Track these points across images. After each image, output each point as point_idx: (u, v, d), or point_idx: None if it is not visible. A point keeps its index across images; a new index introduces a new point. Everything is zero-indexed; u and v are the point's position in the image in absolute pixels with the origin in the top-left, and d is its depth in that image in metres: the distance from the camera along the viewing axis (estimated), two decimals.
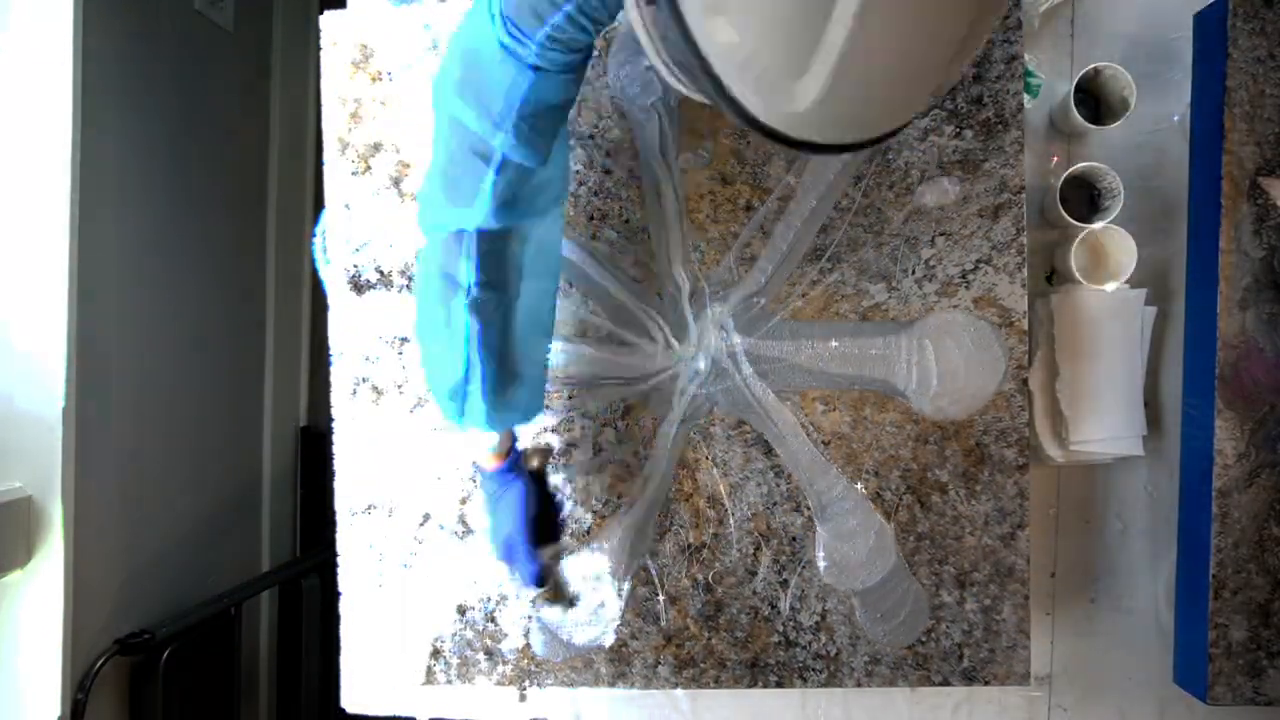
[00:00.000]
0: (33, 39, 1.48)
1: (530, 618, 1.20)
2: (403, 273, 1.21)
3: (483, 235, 0.87)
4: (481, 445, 1.02)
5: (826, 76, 0.52)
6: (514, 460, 1.04)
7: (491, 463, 1.03)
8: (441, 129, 0.86)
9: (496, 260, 0.89)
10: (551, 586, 1.15)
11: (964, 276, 1.15)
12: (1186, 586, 1.23)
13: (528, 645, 1.20)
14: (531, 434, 1.20)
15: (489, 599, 1.21)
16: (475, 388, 0.92)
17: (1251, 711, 1.19)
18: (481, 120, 0.81)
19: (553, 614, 1.19)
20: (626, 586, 1.19)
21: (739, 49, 0.55)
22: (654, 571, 1.19)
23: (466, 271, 0.88)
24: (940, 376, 1.15)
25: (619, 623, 1.19)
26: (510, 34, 0.77)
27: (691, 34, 0.56)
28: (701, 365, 1.18)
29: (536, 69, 0.78)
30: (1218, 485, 1.16)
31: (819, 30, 0.50)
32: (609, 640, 1.19)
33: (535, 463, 1.09)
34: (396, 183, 1.20)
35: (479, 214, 0.85)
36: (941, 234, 1.15)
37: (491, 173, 0.83)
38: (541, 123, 0.83)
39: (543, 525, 1.06)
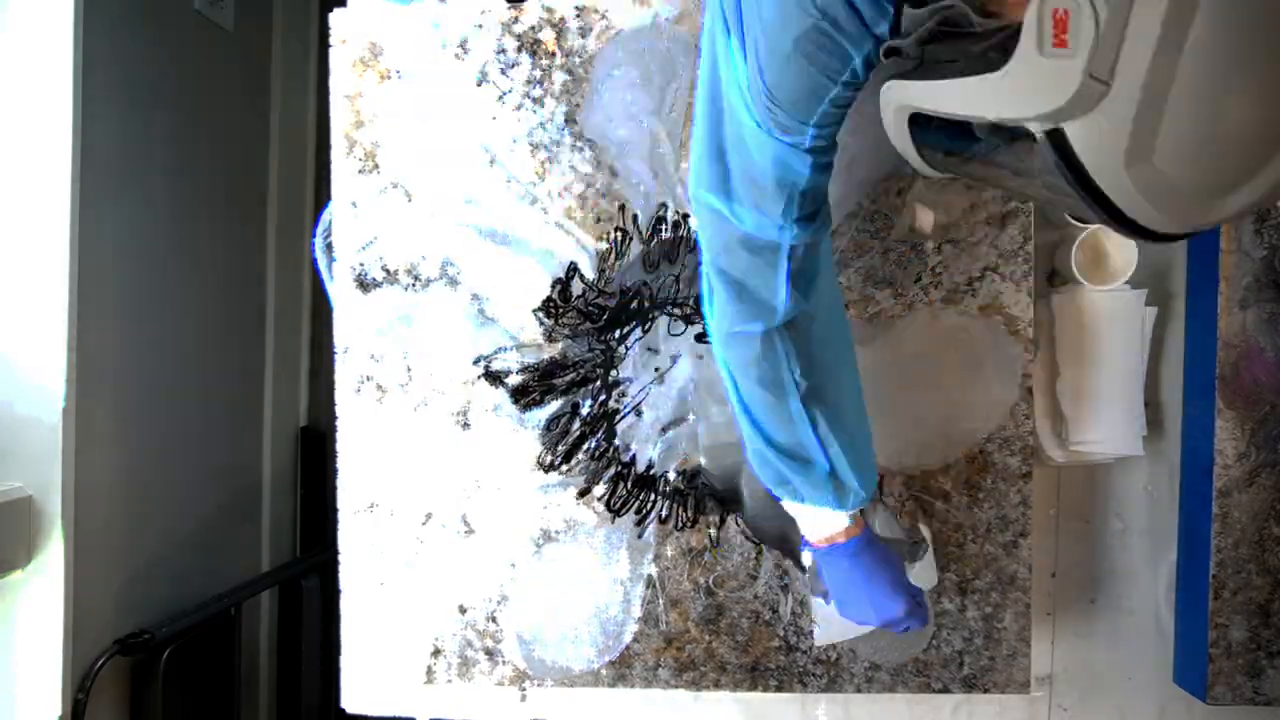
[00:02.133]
0: (33, 39, 1.48)
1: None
2: (409, 271, 1.21)
3: (789, 323, 0.86)
4: (825, 522, 0.95)
5: (1266, 188, 0.51)
6: (869, 533, 0.97)
7: (844, 533, 0.95)
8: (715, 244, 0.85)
9: (800, 342, 0.87)
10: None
11: (970, 284, 1.15)
12: (1186, 586, 1.23)
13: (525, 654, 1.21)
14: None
15: (490, 599, 1.21)
16: (843, 468, 0.90)
17: (1251, 711, 1.19)
18: (761, 216, 0.80)
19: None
20: (638, 605, 1.19)
21: (1161, 181, 0.53)
22: (655, 574, 1.19)
23: (790, 368, 0.87)
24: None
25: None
26: (780, 123, 0.75)
27: (1090, 176, 0.54)
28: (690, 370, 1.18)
29: (811, 151, 0.76)
30: (1218, 485, 1.16)
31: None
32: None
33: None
34: (402, 181, 1.20)
35: (781, 305, 0.84)
36: (949, 241, 1.15)
37: (783, 262, 0.82)
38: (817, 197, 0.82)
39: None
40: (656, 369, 1.19)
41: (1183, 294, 1.26)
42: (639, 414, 1.19)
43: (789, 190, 0.78)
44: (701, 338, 1.18)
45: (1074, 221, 1.14)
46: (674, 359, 1.19)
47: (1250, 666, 1.16)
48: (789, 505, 0.96)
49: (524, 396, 1.19)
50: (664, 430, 1.19)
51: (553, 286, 1.18)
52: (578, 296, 1.19)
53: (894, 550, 0.98)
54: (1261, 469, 1.16)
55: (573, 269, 1.18)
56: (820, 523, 0.95)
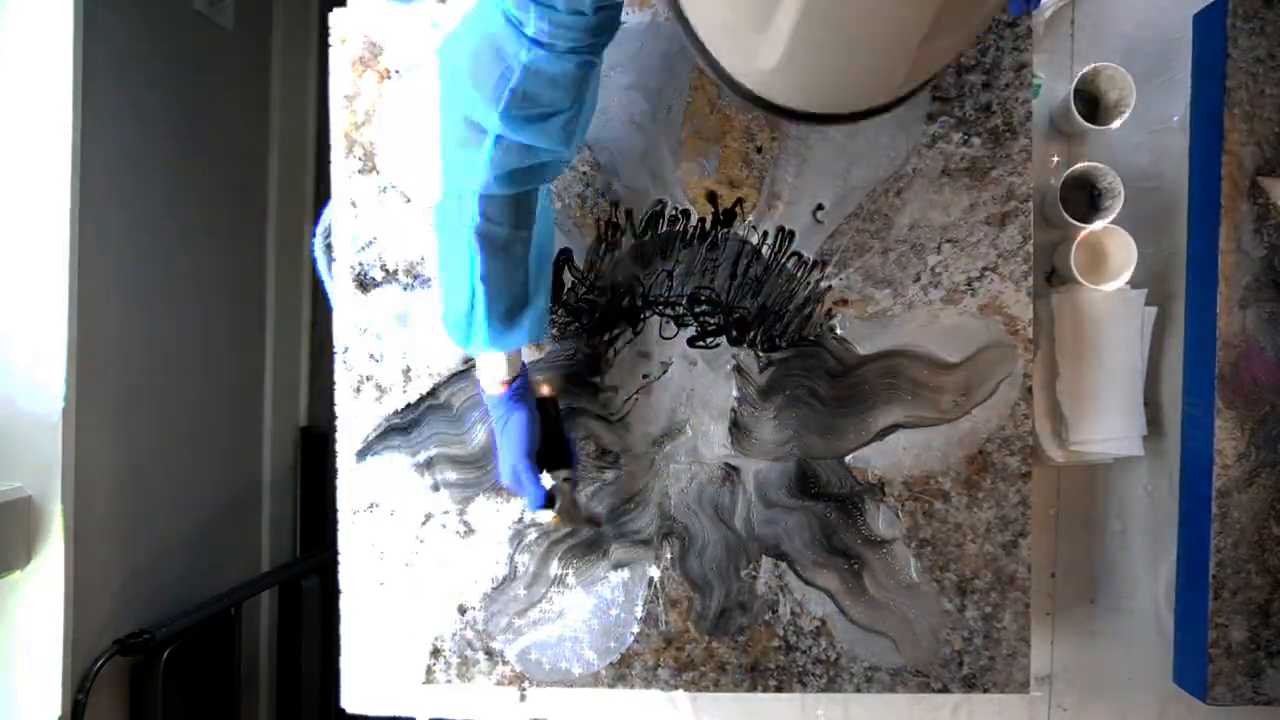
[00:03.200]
0: (33, 39, 1.48)
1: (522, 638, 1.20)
2: (408, 271, 1.21)
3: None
4: (488, 372, 1.06)
5: (788, 34, 0.52)
6: (520, 387, 1.07)
7: (497, 388, 1.06)
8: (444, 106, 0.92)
9: (501, 206, 0.94)
10: (565, 510, 1.13)
11: (970, 284, 1.15)
12: (1186, 586, 1.23)
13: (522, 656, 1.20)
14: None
15: (490, 599, 1.21)
16: (479, 314, 0.97)
17: (1251, 711, 1.19)
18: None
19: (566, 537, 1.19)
20: (640, 607, 1.19)
21: (714, 8, 0.56)
22: (655, 575, 1.19)
23: (472, 208, 0.92)
24: None
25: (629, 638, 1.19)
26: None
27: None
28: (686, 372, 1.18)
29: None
30: (1218, 485, 1.16)
31: None
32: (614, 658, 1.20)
33: (544, 390, 1.13)
34: (401, 181, 1.20)
35: (479, 180, 0.90)
36: (948, 241, 1.14)
37: (486, 150, 0.88)
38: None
39: (550, 451, 1.10)
40: (645, 376, 1.19)
41: (1182, 294, 1.26)
42: (626, 427, 1.19)
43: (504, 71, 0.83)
44: (694, 342, 1.18)
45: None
46: (664, 365, 1.19)
47: (1250, 666, 1.16)
48: (480, 360, 1.06)
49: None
50: (657, 443, 1.19)
51: None
52: (568, 290, 1.18)
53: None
54: (1261, 469, 1.16)
55: (564, 255, 1.18)
56: (487, 372, 1.06)
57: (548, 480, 1.10)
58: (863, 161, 1.15)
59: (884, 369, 1.16)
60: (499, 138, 0.87)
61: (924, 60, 0.55)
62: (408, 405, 1.21)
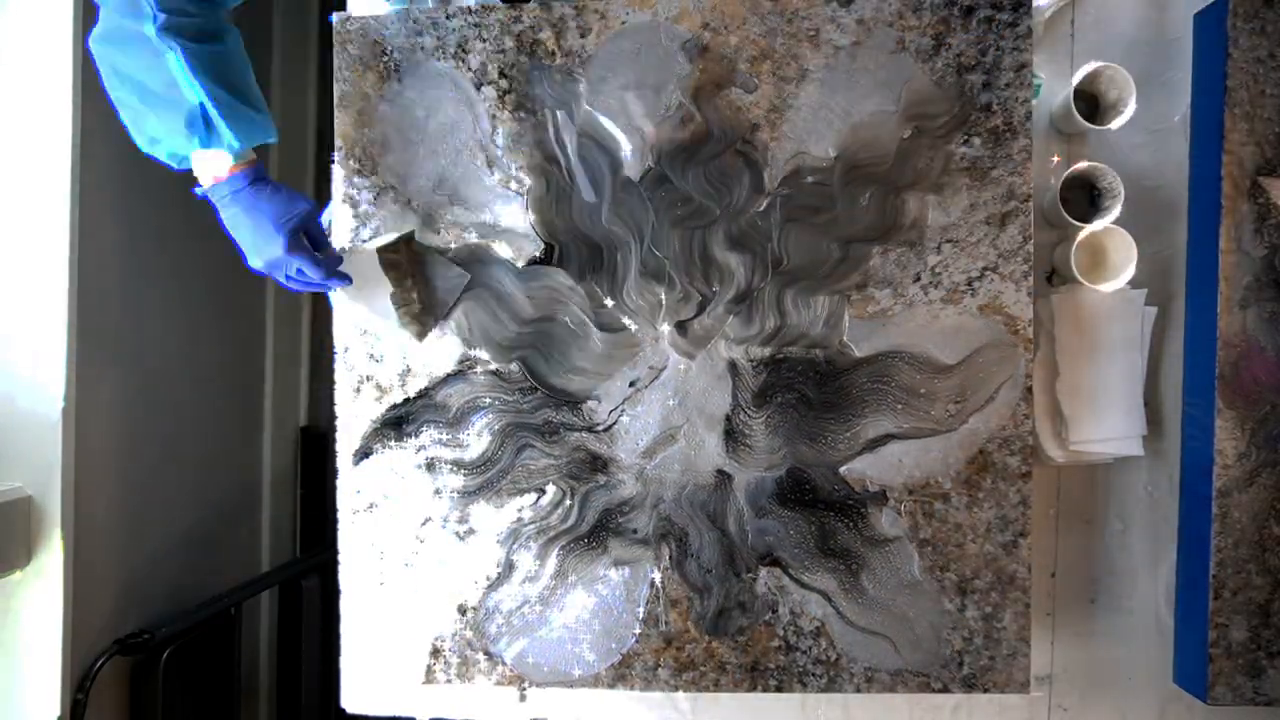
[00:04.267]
0: (33, 39, 1.48)
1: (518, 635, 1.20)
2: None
3: None
4: (208, 164, 1.00)
5: None
6: (256, 171, 1.02)
7: (225, 171, 1.00)
8: None
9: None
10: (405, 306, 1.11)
11: (970, 284, 1.15)
12: (1186, 586, 1.23)
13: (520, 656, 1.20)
14: None
15: (491, 599, 1.21)
16: (213, 111, 0.94)
17: (1251, 711, 1.19)
18: None
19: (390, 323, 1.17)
20: (641, 608, 1.19)
21: None
22: (655, 575, 1.19)
23: (147, 4, 0.89)
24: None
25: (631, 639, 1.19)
26: None
27: None
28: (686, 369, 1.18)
29: None
30: (1218, 485, 1.16)
31: None
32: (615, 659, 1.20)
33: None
34: (401, 181, 1.20)
35: None
36: (948, 241, 1.15)
37: None
38: None
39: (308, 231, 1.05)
40: (632, 384, 1.19)
41: (1182, 294, 1.26)
42: (614, 437, 1.19)
43: None
44: (681, 326, 1.17)
45: None
46: (657, 370, 1.19)
47: (1250, 666, 1.16)
48: (204, 165, 1.00)
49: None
50: (648, 454, 1.19)
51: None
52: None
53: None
54: (1261, 469, 1.16)
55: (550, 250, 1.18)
56: (206, 166, 1.00)
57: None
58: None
59: (875, 373, 1.15)
60: None
61: None
62: (394, 405, 1.21)
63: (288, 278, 1.05)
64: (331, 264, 1.06)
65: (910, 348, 1.15)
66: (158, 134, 0.99)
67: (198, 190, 1.04)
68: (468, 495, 1.20)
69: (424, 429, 1.21)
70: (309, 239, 1.06)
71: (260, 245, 1.02)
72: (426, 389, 1.21)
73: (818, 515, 1.16)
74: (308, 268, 1.03)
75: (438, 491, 1.21)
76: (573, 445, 1.19)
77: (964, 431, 1.15)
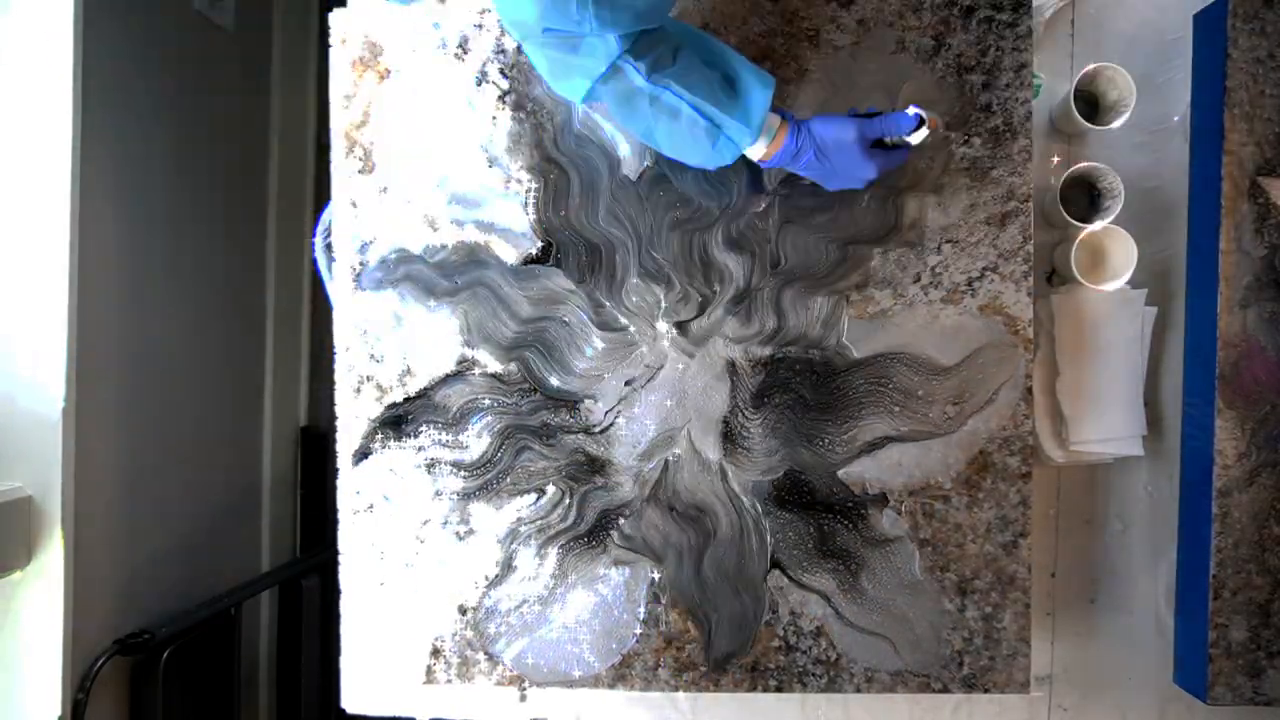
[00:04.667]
0: (33, 39, 1.48)
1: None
2: (410, 277, 1.21)
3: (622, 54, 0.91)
4: (758, 148, 1.02)
5: None
6: (792, 133, 1.02)
7: (769, 150, 1.02)
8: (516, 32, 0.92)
9: (638, 47, 0.93)
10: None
11: (970, 284, 1.15)
12: (1186, 586, 1.23)
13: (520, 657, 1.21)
14: None
15: (490, 599, 1.21)
16: (718, 118, 0.96)
17: (1251, 711, 1.19)
18: None
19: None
20: (642, 609, 1.19)
21: None
22: (655, 575, 1.19)
23: (634, 75, 0.93)
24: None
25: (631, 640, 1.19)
26: None
27: None
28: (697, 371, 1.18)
29: None
30: (1218, 485, 1.16)
31: None
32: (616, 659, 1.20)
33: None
34: (401, 181, 1.20)
35: (609, 47, 0.90)
36: (948, 241, 1.15)
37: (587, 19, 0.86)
38: None
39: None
40: (628, 383, 1.19)
41: (1182, 294, 1.26)
42: (610, 440, 1.19)
43: None
44: (681, 326, 1.18)
45: None
46: (654, 369, 1.19)
47: (1250, 666, 1.16)
48: (750, 152, 1.02)
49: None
50: (645, 456, 1.19)
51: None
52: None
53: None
54: (1262, 469, 1.16)
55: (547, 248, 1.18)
56: (759, 146, 1.02)
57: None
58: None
59: (872, 374, 1.15)
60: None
61: None
62: (392, 404, 1.21)
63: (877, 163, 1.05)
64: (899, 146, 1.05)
65: (908, 349, 1.15)
66: (707, 162, 1.02)
67: (763, 164, 1.07)
68: (467, 496, 1.20)
69: (423, 429, 1.21)
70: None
71: (855, 177, 1.05)
72: (425, 389, 1.21)
73: (816, 517, 1.16)
74: (894, 166, 1.06)
75: (438, 492, 1.21)
76: (570, 448, 1.19)
77: (964, 432, 1.15)
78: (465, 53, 1.19)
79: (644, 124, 0.98)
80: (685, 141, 0.99)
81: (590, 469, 1.19)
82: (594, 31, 0.87)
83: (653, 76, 0.93)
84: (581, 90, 0.94)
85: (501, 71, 1.18)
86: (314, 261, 1.29)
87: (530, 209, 1.19)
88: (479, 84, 1.18)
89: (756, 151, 1.02)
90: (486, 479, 1.20)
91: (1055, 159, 1.29)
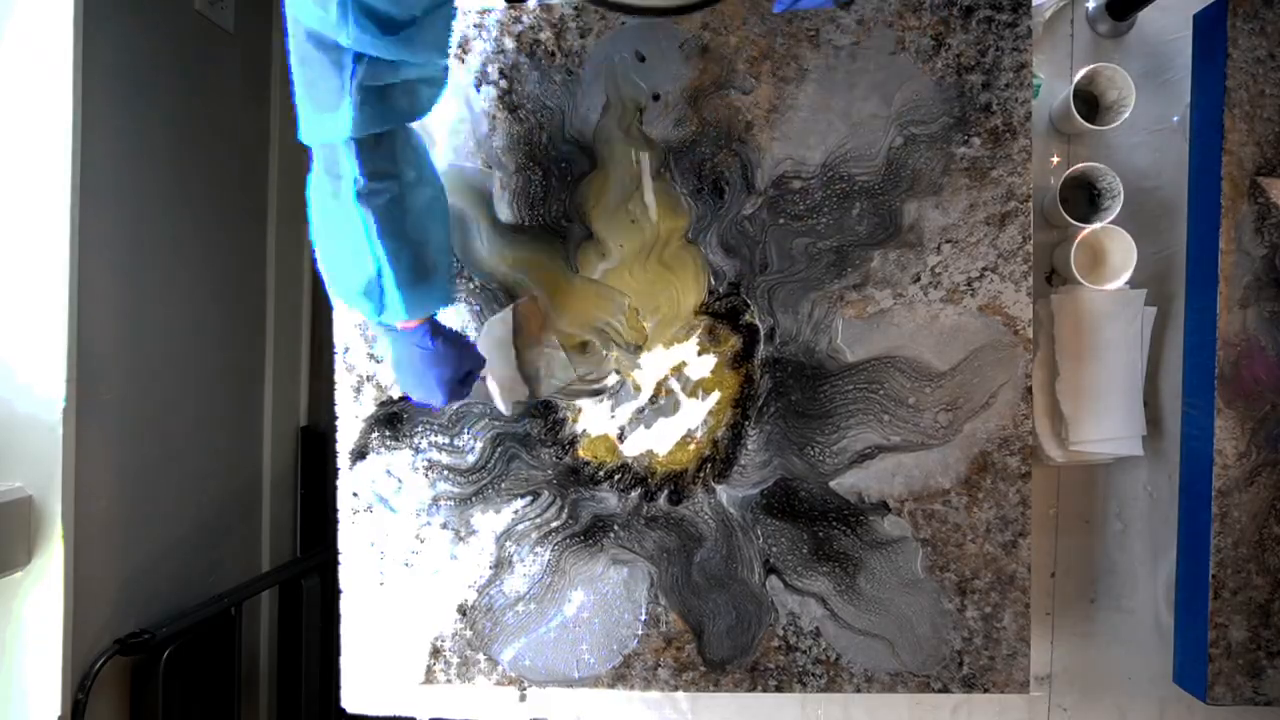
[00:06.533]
0: (33, 39, 1.48)
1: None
2: None
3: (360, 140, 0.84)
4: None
5: None
6: (432, 326, 1.02)
7: (402, 325, 1.01)
8: (291, 30, 0.83)
9: (381, 152, 0.87)
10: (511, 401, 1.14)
11: (970, 284, 1.15)
12: (1186, 586, 1.23)
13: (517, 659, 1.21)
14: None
15: (489, 599, 1.21)
16: (389, 281, 0.91)
17: (1251, 711, 1.19)
18: (319, 8, 0.76)
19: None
20: (643, 609, 1.19)
21: None
22: (654, 575, 1.19)
23: (349, 166, 0.85)
24: None
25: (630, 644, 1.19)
26: None
27: None
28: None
29: None
30: (1218, 485, 1.16)
31: None
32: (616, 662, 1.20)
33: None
34: None
35: (345, 120, 0.82)
36: (948, 241, 1.14)
37: (346, 73, 0.79)
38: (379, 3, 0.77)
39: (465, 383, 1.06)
40: (597, 392, 1.19)
41: (1182, 294, 1.26)
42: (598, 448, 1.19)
43: None
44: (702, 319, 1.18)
45: None
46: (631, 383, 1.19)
47: (1250, 666, 1.16)
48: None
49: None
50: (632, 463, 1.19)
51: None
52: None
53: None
54: (1262, 468, 1.16)
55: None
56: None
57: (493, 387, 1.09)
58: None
59: (864, 379, 1.15)
60: (356, 56, 0.77)
61: None
62: (384, 401, 1.21)
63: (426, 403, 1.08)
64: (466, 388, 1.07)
65: (904, 351, 1.15)
66: (346, 294, 0.97)
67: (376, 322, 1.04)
68: (465, 501, 1.20)
69: (419, 431, 1.21)
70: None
71: (421, 390, 1.05)
72: None
73: (811, 525, 1.16)
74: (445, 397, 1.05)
75: (436, 494, 1.21)
76: (552, 460, 1.19)
77: (964, 431, 1.15)
78: (465, 53, 1.19)
79: (324, 211, 0.91)
80: (345, 261, 0.92)
81: (576, 480, 1.19)
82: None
83: (369, 184, 0.86)
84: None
85: (501, 72, 1.18)
86: (314, 261, 1.29)
87: (516, 207, 1.19)
88: (478, 86, 1.18)
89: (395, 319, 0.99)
90: (481, 485, 1.20)
91: (1055, 159, 1.29)
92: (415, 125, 0.94)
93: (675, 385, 1.18)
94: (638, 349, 1.18)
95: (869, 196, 1.14)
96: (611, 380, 1.18)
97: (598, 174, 1.17)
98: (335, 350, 1.22)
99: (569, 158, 1.17)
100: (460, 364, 1.04)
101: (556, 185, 1.18)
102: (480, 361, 1.08)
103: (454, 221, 1.19)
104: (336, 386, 1.22)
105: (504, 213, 1.19)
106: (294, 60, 0.83)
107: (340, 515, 1.23)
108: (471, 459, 1.20)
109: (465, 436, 1.20)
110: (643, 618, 1.19)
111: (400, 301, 0.93)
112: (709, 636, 1.18)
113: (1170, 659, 1.26)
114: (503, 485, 1.20)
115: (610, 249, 1.17)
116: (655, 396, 1.18)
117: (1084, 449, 1.24)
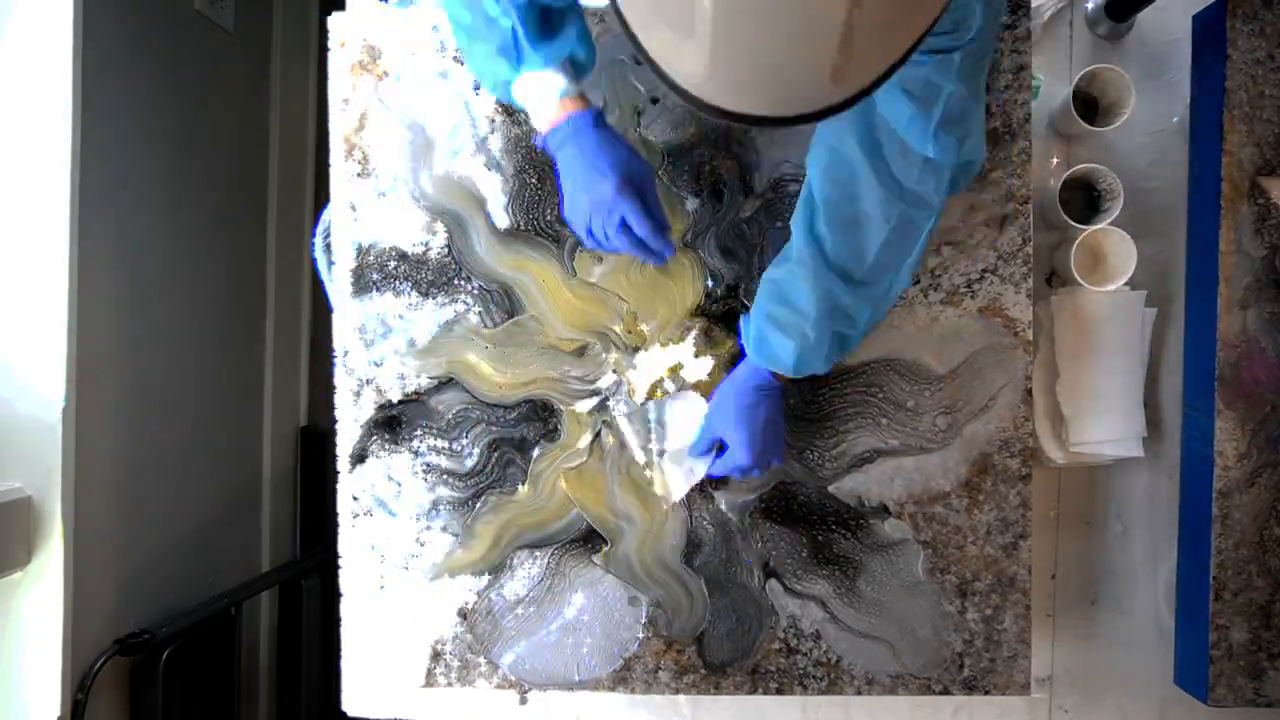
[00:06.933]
0: (33, 39, 1.48)
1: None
2: (407, 276, 1.21)
3: None
4: (543, 103, 0.94)
5: (708, 39, 0.54)
6: (596, 113, 0.95)
7: (559, 112, 0.94)
8: None
9: None
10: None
11: (969, 286, 1.15)
12: (1187, 588, 1.23)
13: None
14: None
15: (489, 602, 1.21)
16: (521, 32, 0.90)
17: (1252, 713, 1.19)
18: None
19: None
20: (644, 611, 1.19)
21: (649, 20, 0.59)
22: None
23: None
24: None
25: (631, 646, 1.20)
26: None
27: (620, 10, 0.61)
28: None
29: None
30: (1218, 486, 1.16)
31: None
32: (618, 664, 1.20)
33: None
34: (400, 184, 1.20)
35: None
36: (948, 243, 1.14)
37: None
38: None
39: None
40: (595, 393, 1.19)
41: (1182, 294, 1.26)
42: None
43: None
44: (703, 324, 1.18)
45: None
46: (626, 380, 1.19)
47: (1251, 668, 1.16)
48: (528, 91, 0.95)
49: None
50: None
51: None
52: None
53: None
54: (1262, 469, 1.16)
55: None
56: (540, 108, 0.95)
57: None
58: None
59: (862, 383, 1.15)
60: None
61: (850, 67, 0.57)
62: (382, 405, 1.21)
63: (605, 236, 0.95)
64: (661, 227, 0.95)
65: (903, 354, 1.15)
66: (483, 70, 0.97)
67: (537, 140, 0.99)
68: (463, 504, 1.20)
69: (418, 433, 1.20)
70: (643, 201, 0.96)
71: (589, 183, 0.93)
72: (418, 392, 1.21)
73: (810, 529, 1.16)
74: (634, 218, 0.93)
75: (435, 498, 1.21)
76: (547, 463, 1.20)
77: (964, 433, 1.15)
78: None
79: None
80: (478, 40, 0.94)
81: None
82: None
83: None
84: None
85: None
86: (314, 261, 1.29)
87: (512, 211, 1.19)
88: (477, 89, 1.18)
89: (544, 108, 0.94)
90: (479, 488, 1.20)
91: (1054, 160, 1.29)
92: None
93: (671, 387, 1.18)
94: (635, 351, 1.18)
95: None
96: (608, 382, 1.18)
97: None
98: (335, 354, 1.22)
99: None
100: (633, 156, 0.95)
101: (553, 189, 1.17)
102: (651, 170, 0.98)
103: (452, 223, 1.19)
104: (336, 390, 1.22)
105: (501, 216, 1.19)
106: None
107: (340, 519, 1.23)
108: (469, 463, 1.20)
109: (464, 441, 1.20)
110: (643, 620, 1.19)
111: (531, 47, 0.91)
112: (709, 639, 1.18)
113: (1171, 660, 1.26)
114: (499, 489, 1.20)
115: (605, 253, 1.17)
116: (650, 398, 1.18)
117: (1084, 450, 1.24)
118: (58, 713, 1.49)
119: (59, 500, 1.48)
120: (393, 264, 1.20)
